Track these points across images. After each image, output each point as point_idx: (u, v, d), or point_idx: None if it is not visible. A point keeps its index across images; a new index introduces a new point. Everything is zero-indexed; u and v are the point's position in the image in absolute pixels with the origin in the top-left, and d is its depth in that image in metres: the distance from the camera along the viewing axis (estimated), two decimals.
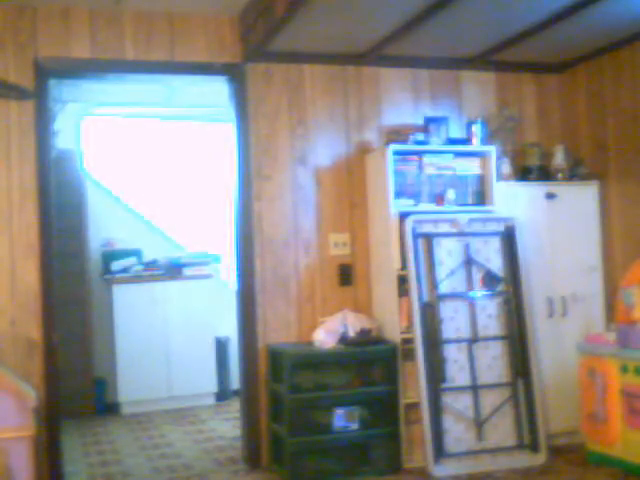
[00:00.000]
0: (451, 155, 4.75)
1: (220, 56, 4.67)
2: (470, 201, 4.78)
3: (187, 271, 6.69)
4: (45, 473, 4.17)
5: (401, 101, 5.01)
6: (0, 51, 4.30)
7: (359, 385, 4.45)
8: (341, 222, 4.85)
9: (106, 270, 6.62)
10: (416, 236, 4.49)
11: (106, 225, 6.85)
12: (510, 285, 4.62)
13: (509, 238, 4.66)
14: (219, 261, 6.95)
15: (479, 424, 4.44)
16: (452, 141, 4.83)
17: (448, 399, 4.41)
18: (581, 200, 4.99)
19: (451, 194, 4.69)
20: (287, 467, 4.27)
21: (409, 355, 4.45)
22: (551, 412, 4.72)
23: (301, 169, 4.80)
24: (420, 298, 4.42)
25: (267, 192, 4.72)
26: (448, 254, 4.55)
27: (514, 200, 4.82)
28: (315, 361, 4.46)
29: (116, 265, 6.57)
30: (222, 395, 6.75)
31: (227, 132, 4.92)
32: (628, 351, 4.17)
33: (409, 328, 4.45)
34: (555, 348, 4.83)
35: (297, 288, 4.74)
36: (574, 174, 5.02)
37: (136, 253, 6.78)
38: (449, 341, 4.45)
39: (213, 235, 7.35)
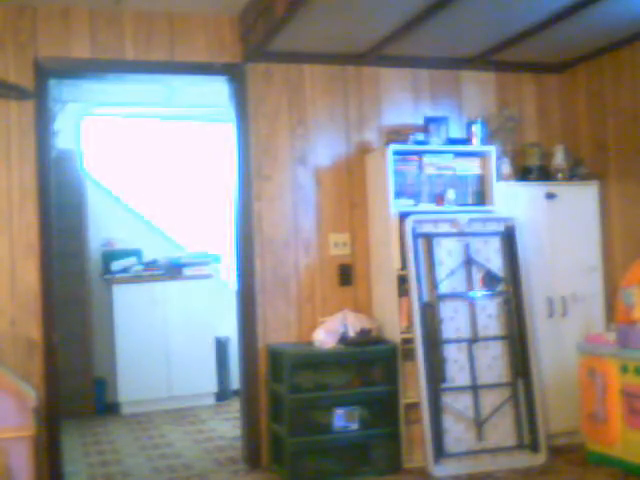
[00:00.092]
0: (451, 155, 4.75)
1: (220, 56, 4.67)
2: (470, 201, 4.78)
3: (187, 271, 6.69)
4: (45, 473, 4.17)
5: (401, 101, 5.01)
6: (0, 51, 4.30)
7: (359, 385, 4.45)
8: (341, 222, 4.85)
9: (106, 270, 6.62)
10: (416, 236, 4.49)
11: (106, 225, 6.85)
12: (510, 285, 4.62)
13: (509, 238, 4.66)
14: (219, 261, 6.95)
15: (479, 424, 4.44)
16: (452, 141, 4.83)
17: (448, 399, 4.41)
18: (581, 200, 4.99)
19: (451, 194, 4.69)
20: (287, 467, 4.27)
21: (409, 355, 4.45)
22: (551, 412, 4.72)
23: (301, 169, 4.80)
24: (420, 298, 4.42)
25: (267, 192, 4.72)
26: (448, 254, 4.55)
27: (514, 200, 4.82)
28: (315, 361, 4.45)
29: (116, 265, 6.57)
30: (222, 395, 6.75)
31: (227, 132, 4.92)
32: (628, 351, 4.17)
33: (409, 328, 4.45)
34: (555, 348, 4.83)
35: (297, 288, 4.74)
36: (574, 174, 5.02)
37: (136, 253, 6.78)
38: (449, 341, 4.45)
39: (213, 235, 7.35)
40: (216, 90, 5.03)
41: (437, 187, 4.71)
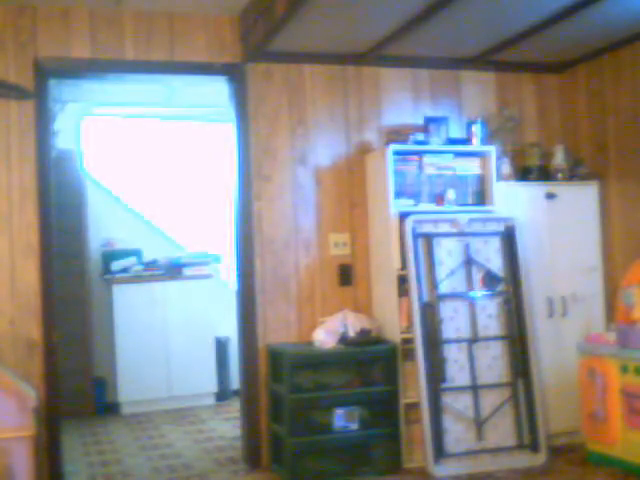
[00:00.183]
0: (451, 155, 4.75)
1: (220, 56, 4.67)
2: (470, 201, 4.78)
3: (187, 271, 6.69)
4: (45, 473, 4.17)
5: (401, 101, 5.01)
6: (0, 51, 4.30)
7: (359, 385, 4.45)
8: (341, 222, 4.85)
9: (106, 270, 6.62)
10: (416, 236, 4.49)
11: (106, 225, 6.85)
12: (510, 285, 4.62)
13: (509, 238, 4.66)
14: (219, 261, 6.95)
15: (479, 424, 4.44)
16: (452, 141, 4.83)
17: (448, 399, 4.41)
18: (581, 200, 4.99)
19: (451, 194, 4.69)
20: (287, 467, 4.27)
21: (409, 355, 4.45)
22: (551, 412, 4.72)
23: (301, 169, 4.80)
24: (420, 298, 4.41)
25: (267, 192, 4.72)
26: (448, 254, 4.55)
27: (514, 200, 4.82)
28: (315, 361, 4.45)
29: (116, 265, 6.57)
30: (222, 395, 6.75)
31: (227, 132, 4.92)
32: (628, 351, 4.17)
33: (409, 328, 4.45)
34: (555, 348, 4.83)
35: (297, 288, 4.74)
36: (574, 174, 5.02)
37: (136, 253, 6.78)
38: (449, 341, 4.45)
39: (213, 235, 7.35)
40: (216, 90, 5.03)
41: (437, 187, 4.71)
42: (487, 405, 4.48)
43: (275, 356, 4.53)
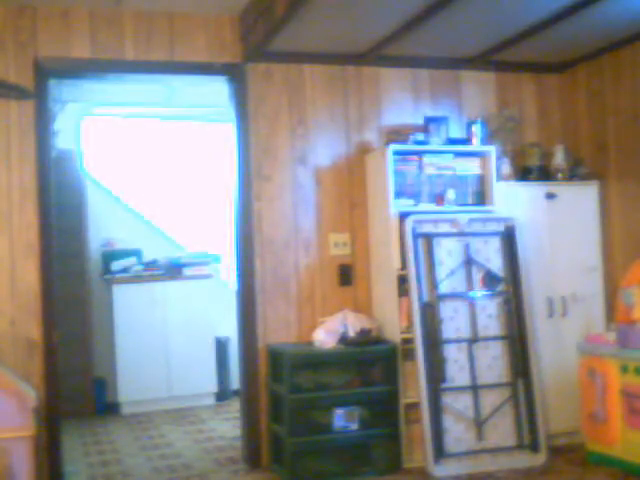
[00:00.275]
0: (451, 155, 4.75)
1: (220, 56, 4.67)
2: (470, 201, 4.78)
3: (187, 271, 6.69)
4: (45, 473, 4.17)
5: (401, 101, 5.01)
6: (0, 51, 4.30)
7: (359, 385, 4.45)
8: (341, 222, 4.85)
9: (106, 270, 6.62)
10: (416, 236, 4.49)
11: (106, 225, 6.85)
12: (510, 285, 4.62)
13: (509, 238, 4.66)
14: (219, 261, 6.95)
15: (479, 424, 4.44)
16: (452, 141, 4.83)
17: (448, 399, 4.41)
18: (581, 200, 4.99)
19: (451, 194, 4.69)
20: (287, 467, 4.27)
21: (409, 355, 4.45)
22: (551, 412, 4.72)
23: (301, 169, 4.80)
24: (420, 298, 4.41)
25: (267, 192, 4.72)
26: (448, 254, 4.55)
27: (514, 200, 4.82)
28: (315, 361, 4.45)
29: (116, 265, 6.57)
30: (222, 395, 6.75)
31: (227, 132, 4.92)
32: (628, 351, 4.17)
33: (409, 328, 4.45)
34: (555, 348, 4.83)
35: (297, 288, 4.74)
36: (574, 174, 5.02)
37: (136, 253, 6.78)
38: (449, 341, 4.45)
39: (213, 235, 7.35)
40: (216, 90, 5.02)
41: (437, 187, 4.71)
42: (487, 405, 4.47)
43: (275, 356, 4.53)
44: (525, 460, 4.46)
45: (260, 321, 4.66)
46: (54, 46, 4.38)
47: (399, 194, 4.59)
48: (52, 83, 4.57)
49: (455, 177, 4.74)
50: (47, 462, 4.22)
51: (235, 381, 6.19)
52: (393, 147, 4.56)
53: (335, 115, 4.87)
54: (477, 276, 4.57)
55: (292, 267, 4.74)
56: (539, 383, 4.58)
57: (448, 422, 4.39)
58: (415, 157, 4.67)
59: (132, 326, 6.43)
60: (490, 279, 4.59)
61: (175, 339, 6.56)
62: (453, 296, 4.51)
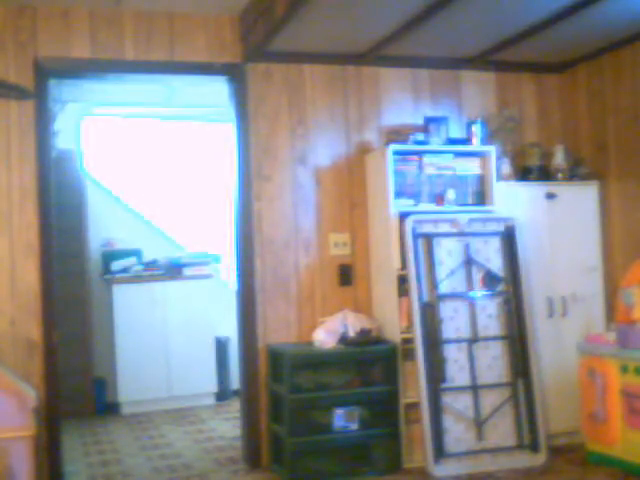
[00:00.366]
0: (451, 155, 4.75)
1: (220, 56, 4.67)
2: (470, 201, 4.78)
3: (187, 271, 6.69)
4: (45, 473, 4.17)
5: (401, 101, 5.01)
6: (0, 51, 4.30)
7: (359, 385, 4.45)
8: (341, 222, 4.85)
9: (106, 270, 6.62)
10: (416, 236, 4.49)
11: (106, 225, 6.85)
12: (510, 285, 4.62)
13: (509, 238, 4.66)
14: (219, 261, 6.95)
15: (479, 424, 4.44)
16: (452, 141, 4.83)
17: (448, 399, 4.41)
18: (581, 200, 4.99)
19: (451, 194, 4.69)
20: (287, 467, 4.27)
21: (409, 355, 4.45)
22: (551, 412, 4.72)
23: (301, 169, 4.80)
24: (420, 298, 4.41)
25: (267, 192, 4.72)
26: (448, 254, 4.55)
27: (514, 200, 4.82)
28: (315, 361, 4.45)
29: (116, 265, 6.57)
30: (222, 395, 6.75)
31: (227, 132, 4.92)
32: (628, 351, 4.17)
33: (409, 328, 4.45)
34: (555, 348, 4.83)
35: (297, 288, 4.74)
36: (574, 174, 5.02)
37: (136, 253, 6.78)
38: (449, 341, 4.45)
39: (213, 235, 7.35)
40: (216, 90, 5.03)
41: (437, 187, 4.71)
42: (487, 405, 4.48)
43: (275, 356, 4.53)
44: (525, 460, 4.46)
45: (260, 321, 4.66)
46: (54, 46, 4.38)
47: (399, 194, 4.59)
48: (52, 83, 4.57)
49: (455, 177, 4.74)
50: (47, 462, 4.22)
51: (235, 381, 6.19)
52: (393, 147, 4.56)
53: (335, 115, 4.87)
54: (477, 276, 4.58)
55: (292, 267, 4.74)
56: (539, 383, 4.58)
57: (448, 422, 4.39)
58: (415, 157, 4.67)
59: (132, 326, 6.43)
60: (490, 279, 4.59)
61: (175, 339, 6.56)
62: (453, 296, 4.51)
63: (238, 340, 4.81)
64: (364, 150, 4.89)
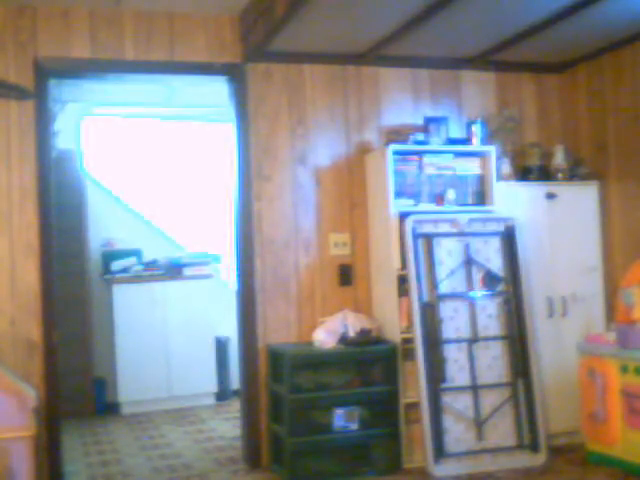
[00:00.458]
0: (451, 155, 4.75)
1: (220, 56, 4.67)
2: (470, 201, 4.78)
3: (187, 271, 6.69)
4: (45, 473, 4.17)
5: (401, 101, 5.01)
6: (0, 51, 4.30)
7: (359, 385, 4.45)
8: (341, 222, 4.85)
9: (106, 270, 6.62)
10: (416, 236, 4.49)
11: (106, 225, 6.85)
12: (510, 285, 4.62)
13: (509, 238, 4.66)
14: (219, 261, 6.95)
15: (479, 424, 4.44)
16: (452, 141, 4.83)
17: (448, 399, 4.41)
18: (581, 200, 4.99)
19: (451, 194, 4.69)
20: (287, 467, 4.27)
21: (409, 355, 4.45)
22: (551, 412, 4.72)
23: (301, 169, 4.80)
24: (420, 298, 4.41)
25: (267, 192, 4.72)
26: (448, 254, 4.55)
27: (514, 200, 4.82)
28: (315, 361, 4.45)
29: (116, 265, 6.57)
30: (222, 395, 6.75)
31: (227, 132, 4.92)
32: (628, 351, 4.17)
33: (409, 328, 4.45)
34: (555, 348, 4.83)
35: (297, 288, 4.74)
36: (574, 174, 5.02)
37: (136, 253, 6.78)
38: (449, 341, 4.45)
39: (213, 235, 7.35)
40: (216, 90, 5.03)
41: (437, 187, 4.71)
42: (487, 405, 4.48)
43: (275, 356, 4.53)
44: (525, 460, 4.46)
45: (260, 321, 4.66)
46: (54, 46, 4.38)
47: (399, 194, 4.59)
48: (52, 83, 4.57)
49: (455, 177, 4.74)
50: (47, 462, 4.22)
51: (235, 381, 6.18)
52: (393, 147, 4.56)
53: (335, 115, 4.87)
54: (477, 276, 4.58)
55: (292, 267, 4.74)
56: (539, 383, 4.58)
57: (448, 422, 4.39)
58: (415, 157, 4.67)
59: (132, 326, 6.43)
60: (490, 279, 4.59)
61: (175, 339, 6.56)
62: (453, 296, 4.51)
63: (238, 340, 4.81)
64: (364, 150, 4.89)
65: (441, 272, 4.51)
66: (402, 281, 4.48)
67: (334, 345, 4.46)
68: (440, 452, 4.31)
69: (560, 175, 5.00)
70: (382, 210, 4.63)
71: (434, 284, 4.47)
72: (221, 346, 6.75)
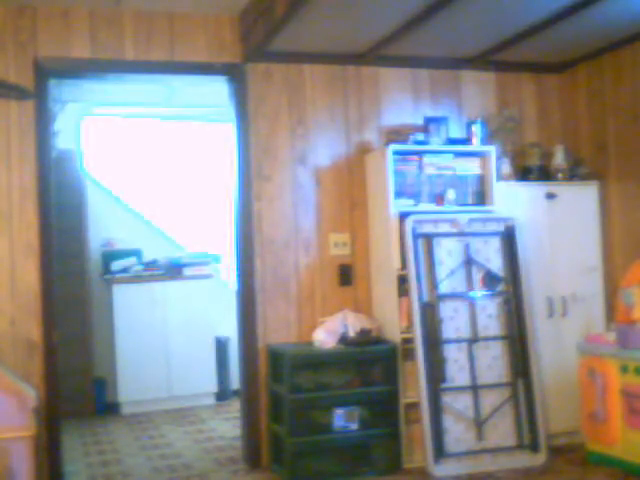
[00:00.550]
0: (451, 155, 4.75)
1: (220, 56, 4.67)
2: (470, 201, 4.78)
3: (187, 271, 6.69)
4: (45, 473, 4.17)
5: (401, 101, 5.01)
6: (0, 51, 4.30)
7: (359, 385, 4.45)
8: (341, 222, 4.85)
9: (106, 270, 6.62)
10: (416, 236, 4.49)
11: (106, 225, 6.85)
12: (510, 285, 4.62)
13: (509, 238, 4.66)
14: (219, 261, 6.95)
15: (479, 424, 4.44)
16: (452, 141, 4.83)
17: (448, 399, 4.41)
18: (581, 200, 4.99)
19: (451, 194, 4.69)
20: (287, 467, 4.27)
21: (409, 355, 4.45)
22: (551, 412, 4.72)
23: (301, 169, 4.80)
24: (420, 298, 4.41)
25: (267, 192, 4.72)
26: (448, 254, 4.55)
27: (514, 200, 4.82)
28: (315, 361, 4.45)
29: (116, 265, 6.57)
30: (222, 395, 6.75)
31: (227, 132, 4.92)
32: (628, 351, 4.17)
33: (409, 328, 4.45)
34: (555, 348, 4.83)
35: (297, 288, 4.74)
36: (574, 174, 5.02)
37: (136, 253, 6.78)
38: (449, 341, 4.45)
39: (213, 235, 7.35)
40: (216, 90, 5.03)
41: (437, 187, 4.71)
42: (487, 405, 4.48)
43: (275, 356, 4.53)
44: (525, 460, 4.46)
45: (260, 321, 4.66)
46: (54, 46, 4.38)
47: (399, 194, 4.59)
48: (52, 83, 4.57)
49: (455, 177, 4.74)
50: (47, 462, 4.22)
51: (235, 381, 6.18)
52: (393, 147, 4.56)
53: (335, 115, 4.87)
54: (477, 276, 4.58)
55: (292, 267, 4.74)
56: (539, 383, 4.58)
57: (448, 422, 4.39)
58: (415, 157, 4.67)
59: (132, 326, 6.43)
60: (490, 279, 4.59)
61: (175, 339, 6.56)
62: (453, 296, 4.51)
63: (238, 340, 4.81)
64: (364, 150, 4.89)
65: (441, 272, 4.51)
66: (402, 281, 4.48)
67: (334, 345, 4.46)
68: (440, 452, 4.31)
69: (560, 175, 5.00)
70: (382, 210, 4.63)
71: (434, 284, 4.47)
72: (221, 346, 6.75)
